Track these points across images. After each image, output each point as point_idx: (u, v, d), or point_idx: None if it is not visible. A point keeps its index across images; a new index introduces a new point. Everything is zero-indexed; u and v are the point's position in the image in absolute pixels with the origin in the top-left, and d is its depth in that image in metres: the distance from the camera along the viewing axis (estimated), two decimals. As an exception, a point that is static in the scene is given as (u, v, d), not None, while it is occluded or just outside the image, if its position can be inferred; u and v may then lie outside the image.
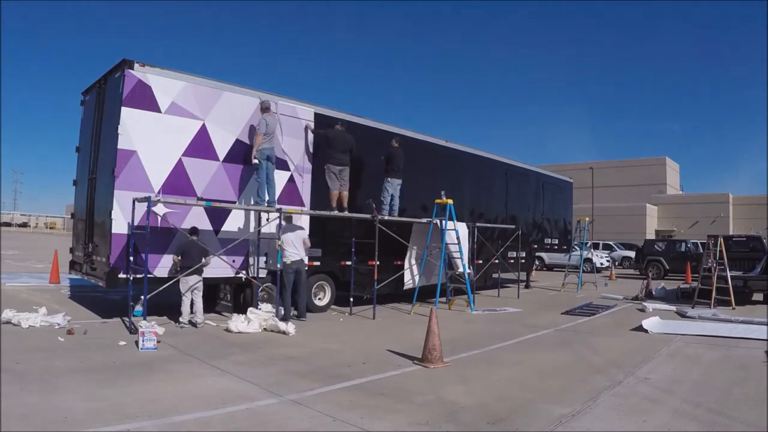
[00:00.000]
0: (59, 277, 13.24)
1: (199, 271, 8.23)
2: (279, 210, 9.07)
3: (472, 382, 5.67)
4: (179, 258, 8.13)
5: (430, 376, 5.87)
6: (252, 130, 9.23)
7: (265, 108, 9.14)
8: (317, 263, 10.32)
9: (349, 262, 10.49)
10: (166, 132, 8.30)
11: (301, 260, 9.31)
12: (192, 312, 8.30)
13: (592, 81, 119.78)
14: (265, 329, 8.06)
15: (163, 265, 8.27)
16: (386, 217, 10.80)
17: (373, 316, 9.98)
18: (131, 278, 7.67)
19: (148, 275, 7.72)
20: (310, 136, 10.28)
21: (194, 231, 8.34)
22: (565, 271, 18.76)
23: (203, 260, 8.25)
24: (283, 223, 9.16)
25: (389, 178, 10.95)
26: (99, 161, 8.90)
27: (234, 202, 9.08)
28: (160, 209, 8.12)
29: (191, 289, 8.21)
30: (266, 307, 8.93)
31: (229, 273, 9.04)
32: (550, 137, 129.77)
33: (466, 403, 4.86)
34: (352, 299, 10.46)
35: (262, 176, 9.01)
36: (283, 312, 8.96)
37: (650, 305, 12.35)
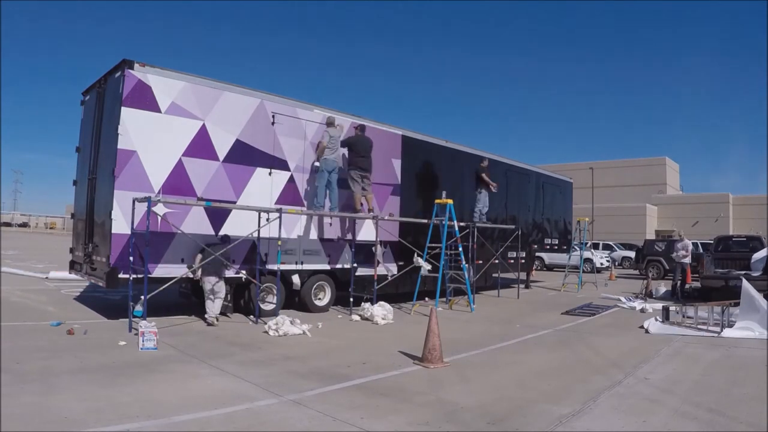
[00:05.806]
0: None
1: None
2: (279, 210, 9.08)
3: (472, 382, 5.67)
4: None
5: (430, 376, 5.87)
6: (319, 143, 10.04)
7: (329, 123, 10.12)
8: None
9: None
10: (166, 132, 8.30)
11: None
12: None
13: (593, 80, 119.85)
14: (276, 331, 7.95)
15: (163, 265, 8.27)
16: (386, 218, 10.83)
17: (373, 316, 9.97)
18: (131, 278, 7.68)
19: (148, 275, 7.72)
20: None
21: None
22: (565, 272, 18.76)
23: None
24: None
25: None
26: (99, 161, 8.89)
27: (234, 202, 9.08)
28: (160, 209, 8.13)
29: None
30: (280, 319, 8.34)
31: (229, 273, 9.03)
32: (549, 137, 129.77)
33: (466, 403, 4.86)
34: (352, 299, 10.46)
35: (321, 183, 9.91)
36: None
37: (650, 305, 12.36)
